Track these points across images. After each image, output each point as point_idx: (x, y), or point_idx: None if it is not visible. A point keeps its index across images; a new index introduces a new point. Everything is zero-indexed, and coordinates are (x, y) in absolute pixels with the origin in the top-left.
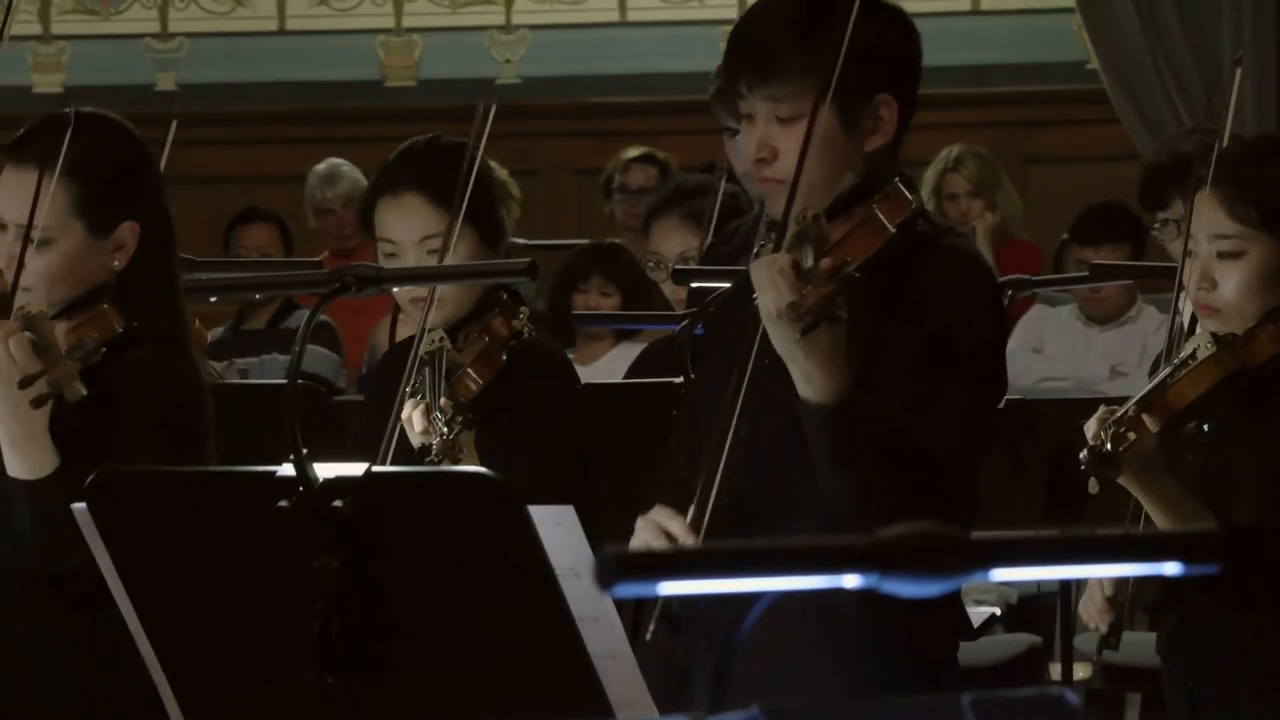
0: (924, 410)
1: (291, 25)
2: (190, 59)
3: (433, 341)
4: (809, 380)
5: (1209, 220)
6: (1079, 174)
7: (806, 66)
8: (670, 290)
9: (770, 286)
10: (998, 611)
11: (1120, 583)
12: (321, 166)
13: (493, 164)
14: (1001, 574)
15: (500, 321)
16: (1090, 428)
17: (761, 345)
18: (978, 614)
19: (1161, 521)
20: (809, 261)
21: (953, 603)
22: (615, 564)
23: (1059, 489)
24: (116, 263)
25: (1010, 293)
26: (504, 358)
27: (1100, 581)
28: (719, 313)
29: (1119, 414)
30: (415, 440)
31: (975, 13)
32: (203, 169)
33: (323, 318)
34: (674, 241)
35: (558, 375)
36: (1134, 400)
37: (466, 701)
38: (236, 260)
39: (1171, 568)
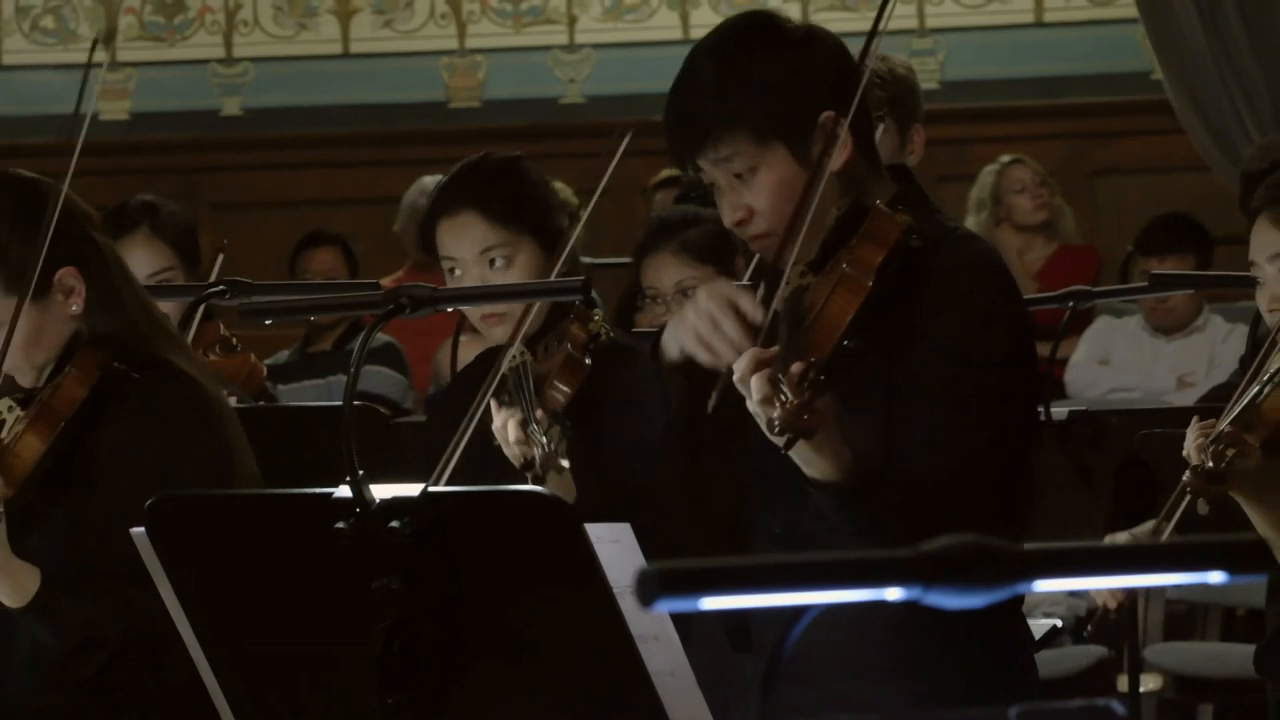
0: (947, 438)
1: (356, 48)
2: (256, 83)
3: (515, 358)
4: (809, 465)
5: (1266, 242)
6: (1147, 185)
7: (736, 118)
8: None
9: (750, 396)
10: (1058, 624)
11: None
12: (427, 179)
13: (559, 184)
14: (1045, 585)
15: (577, 327)
16: (1190, 449)
17: None
18: (1040, 626)
19: (1272, 538)
20: (782, 365)
21: (1014, 614)
22: (657, 580)
23: (1126, 500)
24: (74, 308)
25: (1071, 304)
26: (588, 363)
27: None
28: None
29: (1215, 434)
30: (512, 453)
31: (1039, 24)
32: (269, 193)
33: (388, 339)
34: (669, 273)
35: (641, 372)
36: (1229, 419)
37: (527, 719)
38: (293, 283)
39: (1216, 577)
